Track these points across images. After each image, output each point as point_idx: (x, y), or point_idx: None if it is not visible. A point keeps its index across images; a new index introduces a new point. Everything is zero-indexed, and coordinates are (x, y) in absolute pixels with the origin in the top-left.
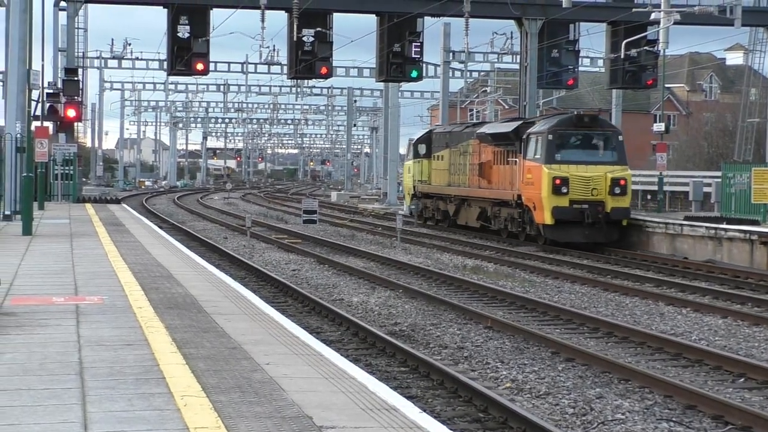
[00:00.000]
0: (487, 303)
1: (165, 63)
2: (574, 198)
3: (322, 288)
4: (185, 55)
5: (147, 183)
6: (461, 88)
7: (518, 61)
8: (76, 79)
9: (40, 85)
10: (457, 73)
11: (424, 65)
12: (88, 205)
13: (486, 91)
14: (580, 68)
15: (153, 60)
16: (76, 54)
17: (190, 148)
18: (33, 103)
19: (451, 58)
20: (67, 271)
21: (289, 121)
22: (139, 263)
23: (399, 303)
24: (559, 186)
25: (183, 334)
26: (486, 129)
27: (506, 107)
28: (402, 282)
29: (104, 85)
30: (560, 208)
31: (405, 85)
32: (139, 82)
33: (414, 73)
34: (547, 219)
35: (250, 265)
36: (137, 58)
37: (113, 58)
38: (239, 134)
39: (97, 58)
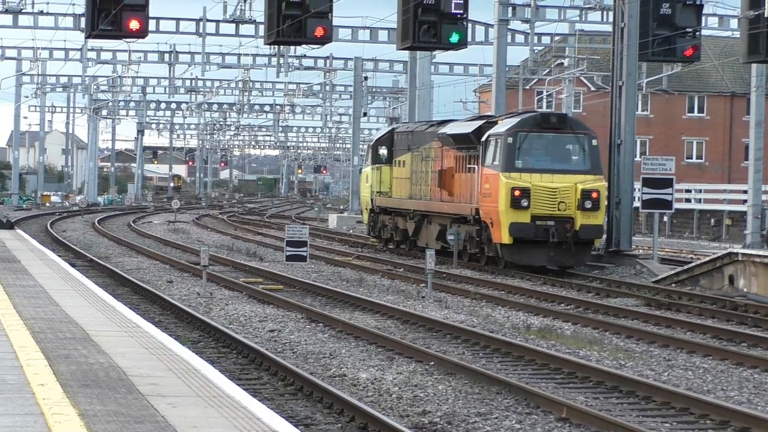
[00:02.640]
0: (562, 383)
1: (83, 20)
2: (537, 213)
3: (315, 358)
4: (112, 8)
5: (54, 198)
6: (525, 60)
7: (610, 20)
8: None
9: None
10: (520, 38)
11: (469, 26)
12: None
13: (562, 64)
14: (704, 32)
15: (65, 15)
16: None
17: (119, 146)
18: None
19: (510, 15)
20: None
21: (267, 108)
22: (42, 319)
23: (429, 382)
24: (518, 198)
25: (106, 427)
26: (448, 129)
27: (592, 89)
28: (434, 350)
29: None
30: (519, 224)
31: (441, 56)
32: (43, 48)
33: (455, 37)
34: (505, 238)
35: (207, 323)
36: (41, 13)
37: (6, 12)
38: (192, 127)
39: None
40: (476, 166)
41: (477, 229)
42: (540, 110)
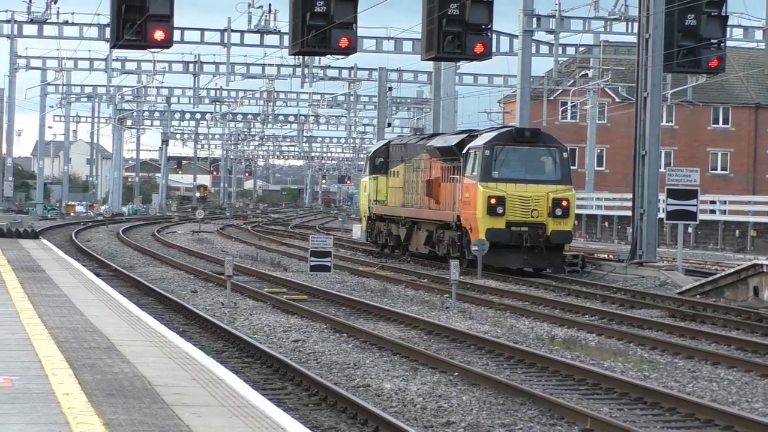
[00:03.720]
0: (586, 394)
1: (107, 30)
2: (512, 219)
3: (339, 368)
4: (137, 17)
5: (78, 208)
6: (549, 71)
7: (635, 31)
8: None
9: None
10: (544, 49)
11: (494, 36)
12: None
13: (587, 75)
14: (729, 43)
15: (90, 25)
16: None
17: (144, 156)
18: None
19: (534, 26)
20: None
21: (292, 118)
22: (67, 328)
23: (453, 392)
24: (494, 206)
25: None
26: (434, 142)
27: (617, 100)
28: (458, 361)
29: (17, 62)
30: (495, 230)
31: (465, 66)
32: (68, 59)
33: (479, 48)
34: None
35: (231, 333)
36: (66, 23)
37: (31, 22)
38: (216, 137)
39: (8, 22)
40: (458, 176)
41: (458, 234)
42: (515, 126)
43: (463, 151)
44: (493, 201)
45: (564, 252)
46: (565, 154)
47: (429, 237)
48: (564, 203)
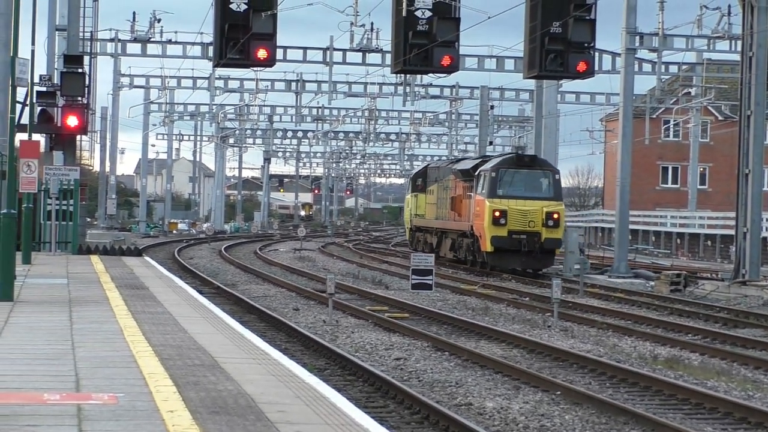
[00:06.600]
0: (690, 414)
1: (210, 49)
2: (513, 229)
3: (440, 387)
4: (240, 36)
5: (181, 226)
6: (652, 89)
7: (738, 49)
8: (80, 71)
9: (29, 81)
10: (647, 67)
11: (596, 54)
12: (95, 258)
13: (689, 93)
14: None
15: (193, 44)
16: (81, 35)
17: (246, 174)
18: (18, 107)
19: (637, 44)
20: (64, 355)
21: (393, 137)
22: (170, 345)
23: (556, 411)
24: (498, 218)
25: None
26: (458, 165)
27: (720, 118)
28: (561, 380)
29: (121, 80)
30: (499, 237)
31: (567, 84)
32: (171, 77)
33: (582, 66)
34: (488, 247)
35: (333, 351)
36: (169, 41)
37: (135, 41)
38: (318, 155)
39: (111, 40)
40: (473, 194)
41: (471, 241)
42: (518, 152)
43: (476, 173)
44: (497, 213)
45: (555, 256)
46: (557, 176)
47: (453, 244)
48: (555, 216)
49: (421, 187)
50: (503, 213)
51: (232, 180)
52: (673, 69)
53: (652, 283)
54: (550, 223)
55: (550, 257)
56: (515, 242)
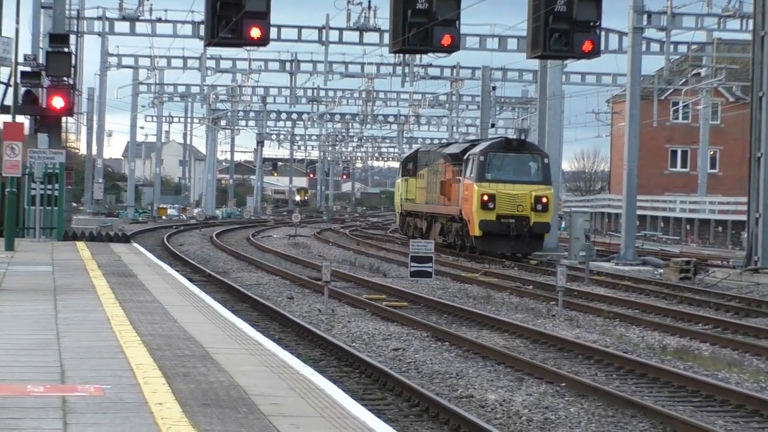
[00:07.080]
0: (700, 406)
1: (202, 27)
2: (501, 213)
3: (440, 378)
4: (233, 14)
5: (170, 211)
6: (660, 70)
7: (749, 28)
8: (66, 50)
9: (12, 60)
10: (655, 47)
11: (602, 34)
12: (81, 245)
13: (699, 74)
14: None
15: (183, 23)
16: (67, 12)
17: (238, 158)
18: (1, 87)
19: (645, 23)
20: (48, 345)
21: (391, 119)
22: (159, 335)
23: (560, 404)
24: (486, 202)
25: None
26: (448, 149)
27: (731, 99)
28: (565, 371)
29: (108, 60)
30: (487, 221)
31: (572, 65)
32: (161, 57)
33: (587, 46)
34: (476, 232)
35: (329, 341)
36: (159, 20)
37: (123, 19)
38: (313, 138)
39: (99, 18)
40: (461, 178)
41: (460, 226)
42: (506, 136)
43: (464, 157)
44: (485, 197)
45: (543, 240)
46: (546, 160)
47: (442, 228)
48: (544, 200)
49: (412, 171)
50: (492, 197)
51: (223, 163)
52: (682, 49)
53: (661, 270)
54: (539, 207)
55: (538, 241)
56: (504, 226)
